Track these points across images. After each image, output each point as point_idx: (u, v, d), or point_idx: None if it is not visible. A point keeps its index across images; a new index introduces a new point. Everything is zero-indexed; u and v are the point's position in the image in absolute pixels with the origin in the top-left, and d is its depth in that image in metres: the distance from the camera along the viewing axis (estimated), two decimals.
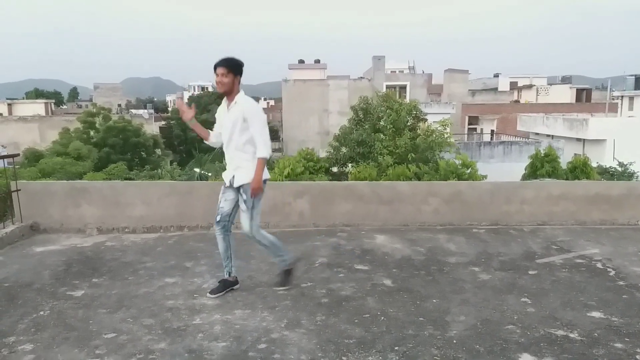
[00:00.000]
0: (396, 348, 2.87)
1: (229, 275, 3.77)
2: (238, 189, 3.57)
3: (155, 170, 22.46)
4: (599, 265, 4.35)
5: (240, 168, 3.55)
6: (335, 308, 3.44)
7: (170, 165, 26.07)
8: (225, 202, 3.66)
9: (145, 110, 52.84)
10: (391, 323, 3.20)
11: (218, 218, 3.68)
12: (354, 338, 3.00)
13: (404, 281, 3.94)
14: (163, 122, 45.20)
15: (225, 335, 3.04)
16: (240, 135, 3.50)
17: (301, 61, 43.47)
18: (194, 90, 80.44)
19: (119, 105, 64.25)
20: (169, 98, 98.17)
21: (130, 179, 18.10)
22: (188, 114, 3.61)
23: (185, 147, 37.99)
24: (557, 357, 2.77)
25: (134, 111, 51.95)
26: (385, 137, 13.69)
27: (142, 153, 30.29)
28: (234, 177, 3.57)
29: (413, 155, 13.15)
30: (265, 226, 5.57)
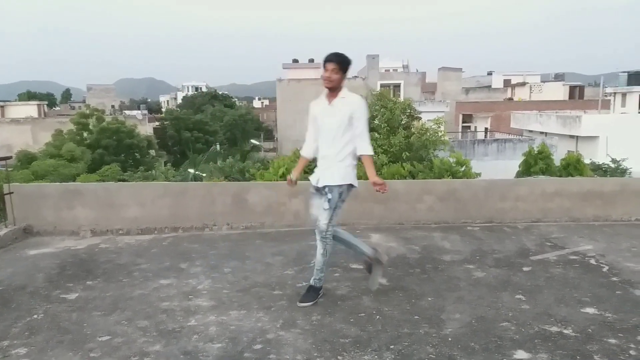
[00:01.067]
0: (392, 347, 2.87)
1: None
2: (322, 188, 3.42)
3: (149, 172, 22.39)
4: (592, 261, 4.37)
5: (329, 168, 3.41)
6: (331, 307, 3.44)
7: (165, 166, 25.99)
8: (317, 210, 3.49)
9: (139, 111, 52.64)
10: (386, 322, 3.20)
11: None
12: (349, 337, 3.00)
13: (399, 279, 3.95)
14: (157, 123, 45.03)
15: (221, 337, 3.03)
16: (344, 133, 3.39)
17: (295, 60, 43.44)
18: (188, 91, 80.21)
19: (113, 106, 63.94)
20: (163, 98, 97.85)
21: (124, 180, 18.03)
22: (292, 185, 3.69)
23: (180, 147, 37.90)
24: (552, 353, 2.78)
25: (127, 112, 51.72)
26: (380, 136, 13.70)
27: (136, 154, 30.17)
28: (319, 177, 3.45)
29: (407, 153, 13.17)
30: (260, 226, 5.58)
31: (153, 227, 5.53)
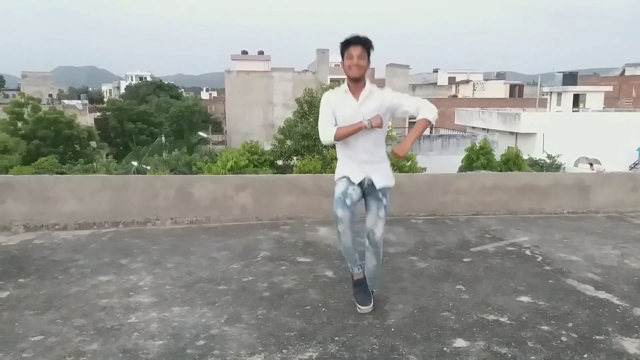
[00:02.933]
0: (336, 338, 2.90)
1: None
2: (374, 191, 3.10)
3: (90, 164, 21.54)
4: (527, 252, 4.59)
5: (379, 170, 3.11)
6: (277, 301, 3.42)
7: (106, 158, 25.04)
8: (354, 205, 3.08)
9: (79, 101, 50.39)
10: (332, 314, 3.22)
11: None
12: (294, 330, 3.00)
13: (345, 272, 3.97)
14: (98, 114, 43.29)
15: (162, 333, 2.95)
16: (380, 133, 3.07)
17: (244, 52, 42.87)
18: (132, 80, 77.45)
19: (50, 95, 60.87)
20: (105, 88, 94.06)
21: (62, 173, 17.22)
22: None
23: (122, 139, 36.61)
24: (488, 340, 2.89)
25: (66, 101, 49.40)
26: None
27: (76, 146, 28.96)
28: (371, 178, 3.08)
29: None
30: (206, 221, 5.47)
31: (92, 222, 5.30)
